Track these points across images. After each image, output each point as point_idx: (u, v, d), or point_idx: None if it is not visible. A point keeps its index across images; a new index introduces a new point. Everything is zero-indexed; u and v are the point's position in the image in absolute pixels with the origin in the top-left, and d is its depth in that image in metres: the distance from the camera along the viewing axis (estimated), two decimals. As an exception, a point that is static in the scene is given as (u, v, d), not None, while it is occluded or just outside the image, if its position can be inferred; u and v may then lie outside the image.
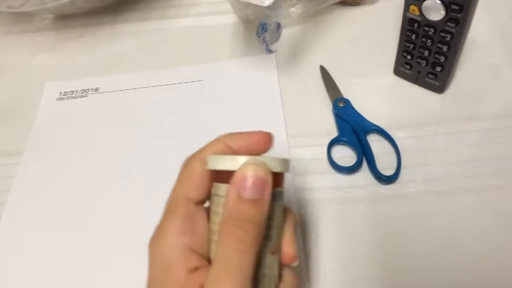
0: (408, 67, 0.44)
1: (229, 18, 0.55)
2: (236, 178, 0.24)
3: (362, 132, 0.42)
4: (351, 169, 0.40)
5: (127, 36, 0.56)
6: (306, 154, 0.42)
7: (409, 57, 0.43)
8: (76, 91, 0.51)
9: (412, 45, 0.42)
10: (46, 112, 0.50)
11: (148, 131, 0.46)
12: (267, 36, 0.51)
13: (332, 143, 0.42)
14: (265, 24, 0.50)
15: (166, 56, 0.53)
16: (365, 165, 0.40)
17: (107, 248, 0.39)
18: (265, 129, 0.44)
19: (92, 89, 0.51)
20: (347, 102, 0.44)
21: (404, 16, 0.41)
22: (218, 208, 0.25)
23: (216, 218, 0.25)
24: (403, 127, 0.42)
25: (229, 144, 0.27)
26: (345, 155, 0.42)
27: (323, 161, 0.42)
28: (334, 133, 0.43)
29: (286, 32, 0.52)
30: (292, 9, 0.51)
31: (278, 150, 0.43)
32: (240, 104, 0.47)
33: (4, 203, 0.43)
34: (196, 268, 0.25)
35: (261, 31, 0.51)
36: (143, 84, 0.51)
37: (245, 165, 0.24)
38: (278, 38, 0.52)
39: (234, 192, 0.24)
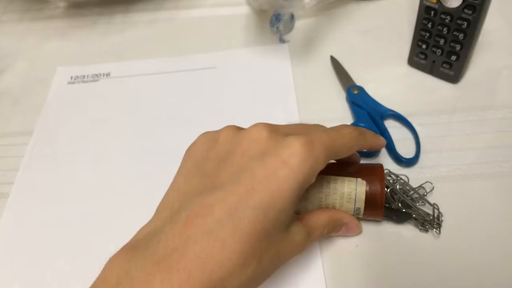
0: (422, 56, 0.45)
1: (243, 10, 0.56)
2: None
3: (378, 117, 0.41)
4: (370, 153, 0.40)
5: (140, 25, 0.56)
6: (321, 139, 0.42)
7: (424, 46, 0.44)
8: (88, 75, 0.51)
9: (427, 34, 0.43)
10: (57, 95, 0.50)
11: (158, 116, 0.46)
12: (281, 26, 0.51)
13: (348, 128, 0.42)
14: (279, 14, 0.51)
15: (179, 45, 0.53)
16: (383, 149, 0.40)
17: (112, 231, 0.38)
18: (278, 116, 0.45)
19: (103, 74, 0.51)
20: (361, 89, 0.44)
21: (421, 4, 0.41)
22: None
23: None
24: (417, 115, 0.42)
25: None
26: (361, 140, 0.41)
27: (339, 146, 0.41)
28: (348, 119, 0.43)
29: (299, 24, 0.53)
30: (306, 1, 0.51)
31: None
32: (252, 91, 0.47)
33: (13, 181, 0.42)
34: None
35: (274, 21, 0.51)
36: (155, 70, 0.51)
37: None
38: (291, 29, 0.52)
39: None
